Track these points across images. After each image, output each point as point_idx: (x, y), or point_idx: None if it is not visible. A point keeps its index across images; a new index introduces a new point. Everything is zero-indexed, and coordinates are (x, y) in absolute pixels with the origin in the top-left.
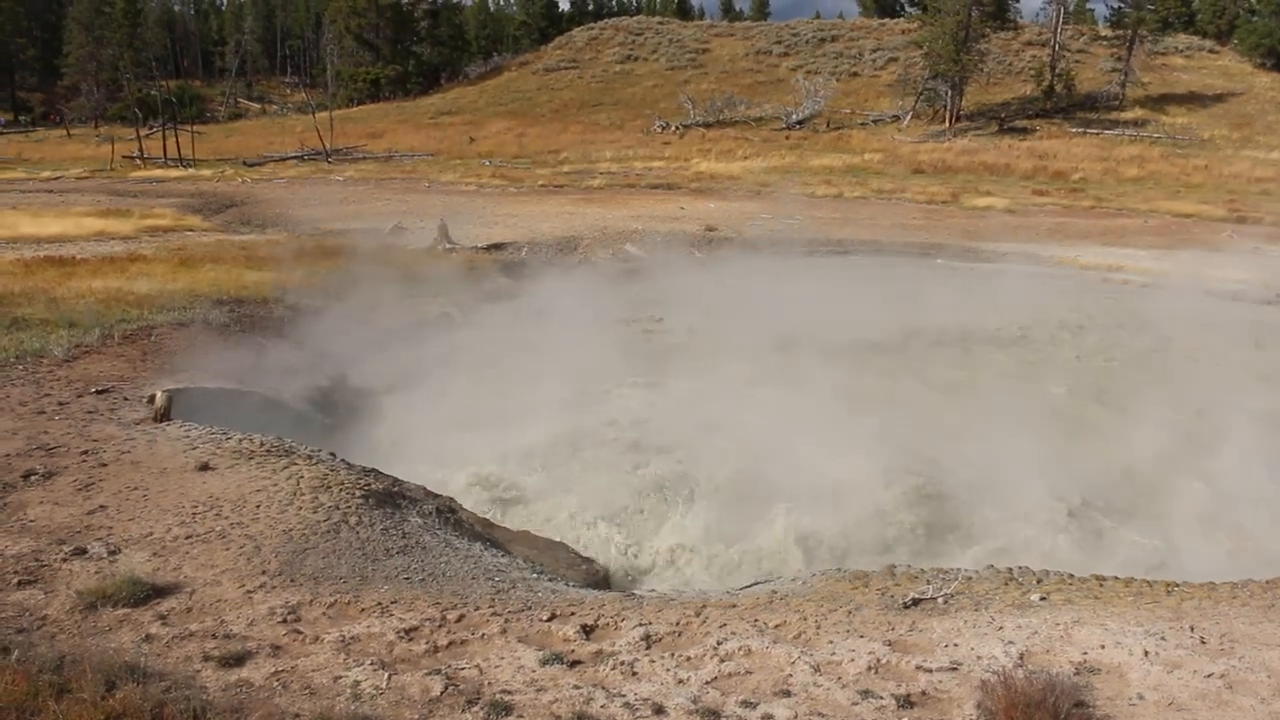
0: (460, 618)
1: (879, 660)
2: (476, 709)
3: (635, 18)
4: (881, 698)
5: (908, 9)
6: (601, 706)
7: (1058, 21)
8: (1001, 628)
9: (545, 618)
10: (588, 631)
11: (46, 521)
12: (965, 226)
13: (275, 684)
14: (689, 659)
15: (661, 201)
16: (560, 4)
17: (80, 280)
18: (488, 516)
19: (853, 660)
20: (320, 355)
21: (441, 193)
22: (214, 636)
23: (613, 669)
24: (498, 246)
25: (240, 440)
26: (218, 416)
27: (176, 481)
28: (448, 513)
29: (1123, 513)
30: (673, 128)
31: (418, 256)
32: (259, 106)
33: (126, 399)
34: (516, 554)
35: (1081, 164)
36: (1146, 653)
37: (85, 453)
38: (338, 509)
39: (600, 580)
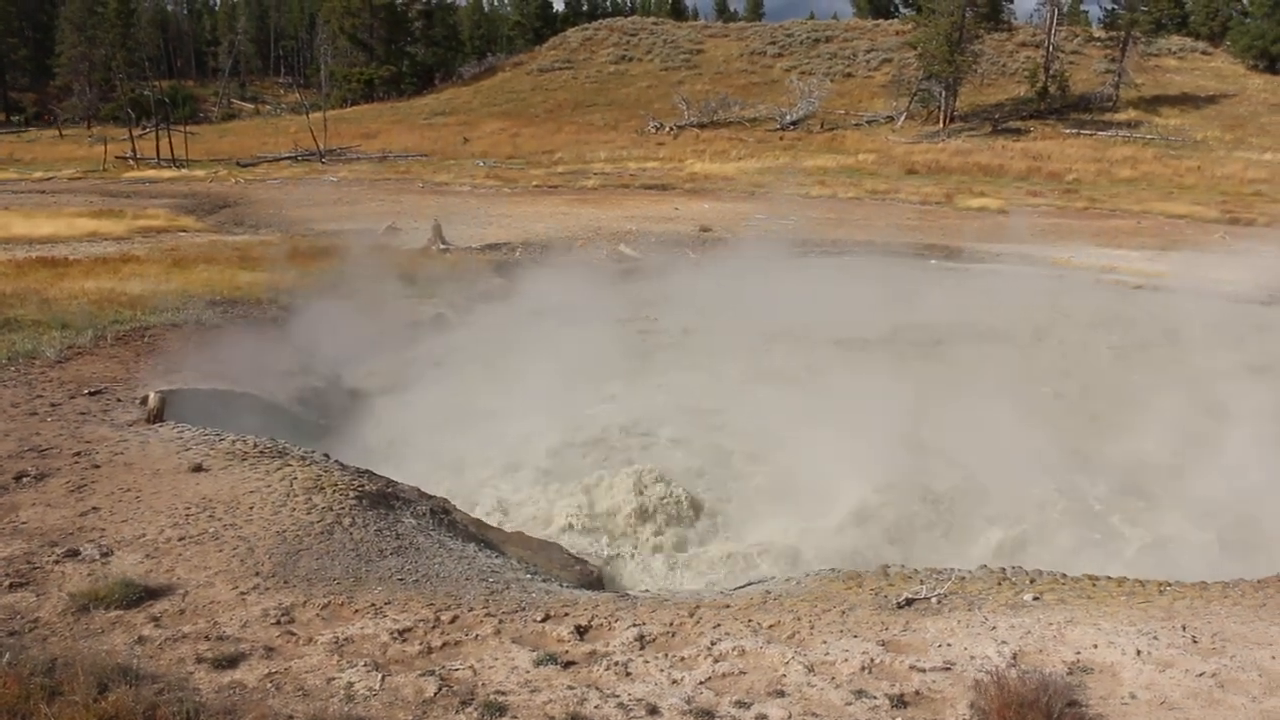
0: (454, 619)
1: (872, 660)
2: (470, 710)
3: (629, 18)
4: (875, 698)
5: (902, 10)
6: (595, 707)
7: (1051, 23)
8: (995, 627)
9: (539, 618)
10: (582, 632)
11: (39, 523)
12: (959, 227)
13: (269, 686)
14: (683, 659)
15: (656, 202)
16: (554, 4)
17: (73, 281)
18: (482, 518)
19: (846, 660)
20: (314, 356)
21: (435, 193)
22: (207, 638)
23: (607, 669)
24: (492, 247)
25: (233, 441)
26: (211, 418)
27: (169, 483)
28: (441, 514)
29: (1119, 510)
30: (667, 128)
31: (412, 257)
32: (252, 107)
33: (119, 400)
34: (510, 555)
35: (1075, 165)
36: (1139, 652)
37: (78, 454)
38: (331, 510)
39: (594, 581)
